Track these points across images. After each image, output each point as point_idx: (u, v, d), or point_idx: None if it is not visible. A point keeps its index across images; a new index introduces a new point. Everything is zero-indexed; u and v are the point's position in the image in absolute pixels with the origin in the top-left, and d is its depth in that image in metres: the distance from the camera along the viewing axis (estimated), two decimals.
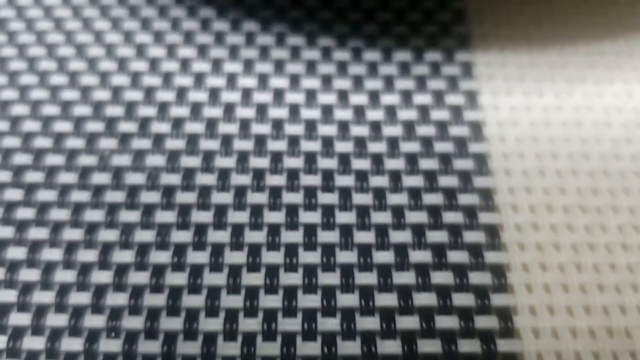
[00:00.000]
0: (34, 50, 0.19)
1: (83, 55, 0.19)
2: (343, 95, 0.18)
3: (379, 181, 0.17)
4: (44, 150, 0.17)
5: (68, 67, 0.19)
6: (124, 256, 0.16)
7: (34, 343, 0.15)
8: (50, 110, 0.18)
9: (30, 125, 0.18)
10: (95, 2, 0.20)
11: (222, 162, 0.17)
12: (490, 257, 0.16)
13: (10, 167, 0.17)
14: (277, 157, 0.17)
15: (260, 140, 0.17)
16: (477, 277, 0.15)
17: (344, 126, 0.18)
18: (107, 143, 0.17)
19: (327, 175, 0.17)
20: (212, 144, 0.17)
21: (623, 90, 0.19)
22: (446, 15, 0.20)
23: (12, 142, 0.17)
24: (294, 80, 0.19)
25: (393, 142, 0.17)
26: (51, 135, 0.17)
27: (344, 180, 0.17)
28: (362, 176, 0.17)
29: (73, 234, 0.16)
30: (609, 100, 0.19)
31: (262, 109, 0.18)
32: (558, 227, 0.16)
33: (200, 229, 0.16)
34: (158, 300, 0.15)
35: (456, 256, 0.16)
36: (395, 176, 0.17)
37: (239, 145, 0.17)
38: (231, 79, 0.18)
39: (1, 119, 0.18)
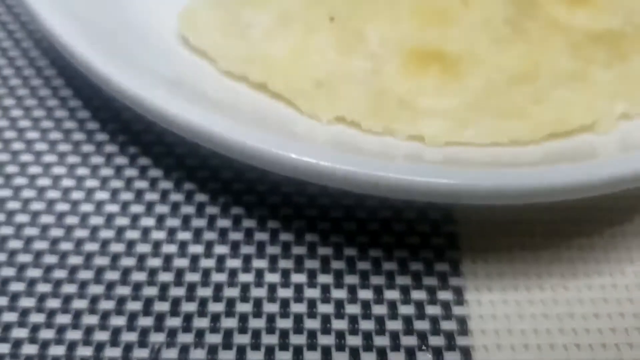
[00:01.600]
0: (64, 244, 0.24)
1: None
2: (352, 290, 0.23)
3: None
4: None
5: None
6: None
7: None
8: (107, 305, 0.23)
9: (89, 319, 0.23)
10: (116, 200, 0.26)
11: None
12: None
13: None
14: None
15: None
16: None
17: (353, 320, 0.23)
18: (157, 337, 0.22)
19: None
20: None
21: (584, 283, 0.24)
22: (436, 214, 0.25)
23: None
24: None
25: (394, 336, 0.22)
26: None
27: None
28: None
29: None
30: (573, 293, 0.24)
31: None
32: None
33: None
34: None
35: None
36: None
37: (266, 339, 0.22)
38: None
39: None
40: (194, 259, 0.24)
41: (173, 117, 0.22)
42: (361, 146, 0.24)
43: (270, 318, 0.23)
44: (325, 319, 0.23)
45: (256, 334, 0.22)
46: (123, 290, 0.23)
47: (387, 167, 0.21)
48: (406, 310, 0.23)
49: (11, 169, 0.27)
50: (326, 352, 0.22)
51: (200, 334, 0.22)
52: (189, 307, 0.23)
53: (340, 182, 0.21)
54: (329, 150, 0.21)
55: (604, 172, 0.21)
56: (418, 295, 0.24)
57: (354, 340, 0.22)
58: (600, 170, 0.21)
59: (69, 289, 0.23)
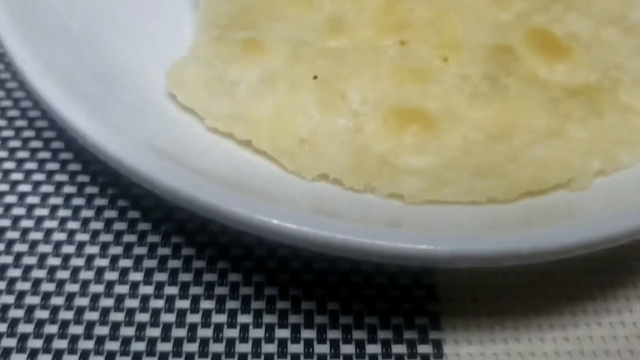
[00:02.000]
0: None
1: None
2: (335, 344, 0.24)
3: None
4: None
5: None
6: None
7: None
8: None
9: None
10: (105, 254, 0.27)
11: None
12: None
13: None
14: None
15: None
16: None
17: None
18: None
19: None
20: None
21: (561, 335, 0.25)
22: (417, 267, 0.26)
23: None
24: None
25: None
26: None
27: None
28: None
29: None
30: (550, 346, 0.25)
31: None
32: None
33: None
34: None
35: None
36: None
37: None
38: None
39: None
40: (181, 313, 0.25)
41: (159, 184, 0.23)
42: (343, 204, 0.24)
43: None
44: None
45: None
46: (112, 346, 0.24)
47: (367, 233, 0.22)
48: None
49: (2, 222, 0.28)
50: None
51: None
52: None
53: (321, 247, 0.22)
54: (311, 215, 0.22)
55: (581, 236, 0.22)
56: (398, 349, 0.24)
57: None
58: (577, 234, 0.22)
59: (60, 344, 0.24)
